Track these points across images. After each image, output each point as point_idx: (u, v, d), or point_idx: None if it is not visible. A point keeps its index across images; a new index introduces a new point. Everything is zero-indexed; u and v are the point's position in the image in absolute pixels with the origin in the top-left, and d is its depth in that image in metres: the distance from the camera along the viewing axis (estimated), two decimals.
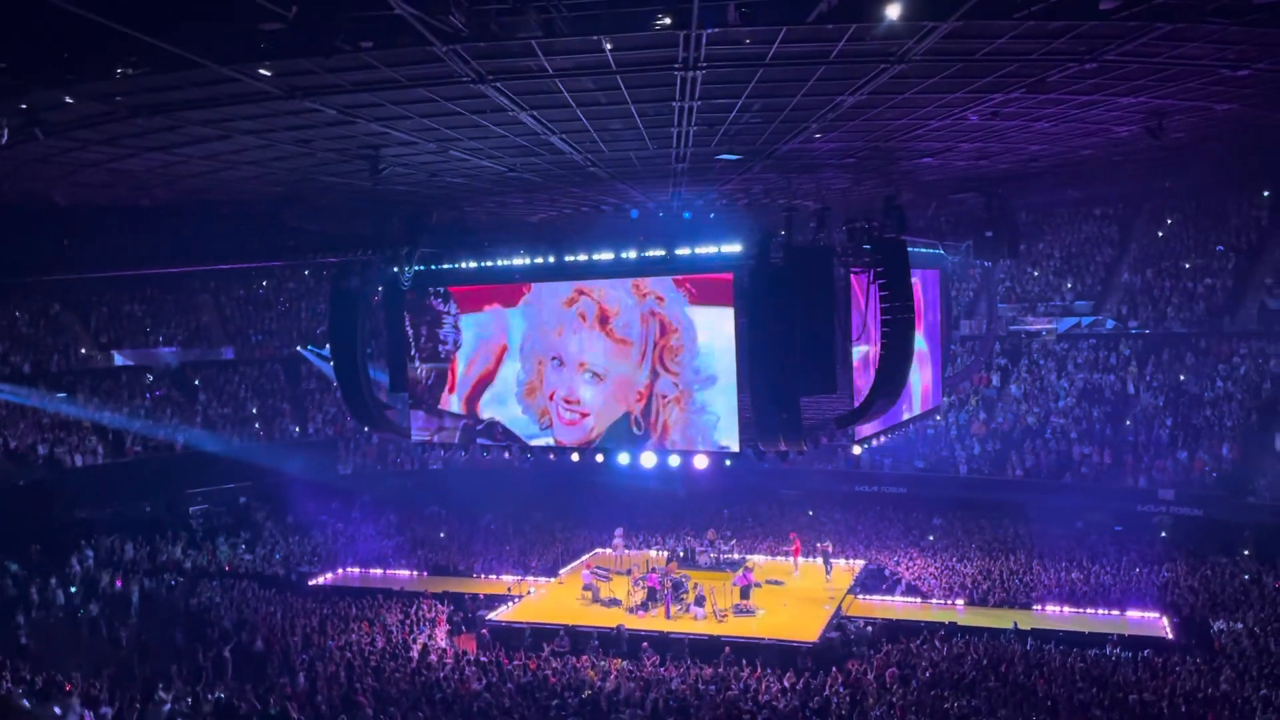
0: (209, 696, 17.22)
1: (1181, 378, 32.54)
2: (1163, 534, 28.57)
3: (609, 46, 11.85)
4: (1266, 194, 34.38)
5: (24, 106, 13.08)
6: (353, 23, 10.63)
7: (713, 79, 13.50)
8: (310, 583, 28.41)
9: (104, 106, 13.74)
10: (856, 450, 26.27)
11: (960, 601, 24.95)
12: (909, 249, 20.57)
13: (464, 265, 24.34)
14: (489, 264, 24.12)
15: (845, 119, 16.56)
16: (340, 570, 30.09)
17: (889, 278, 19.92)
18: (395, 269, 23.96)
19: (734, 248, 21.61)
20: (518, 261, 23.77)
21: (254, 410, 38.30)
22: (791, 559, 28.31)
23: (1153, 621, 23.14)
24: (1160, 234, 36.84)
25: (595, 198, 24.59)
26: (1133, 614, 23.54)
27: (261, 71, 12.29)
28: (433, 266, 24.27)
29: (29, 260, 30.02)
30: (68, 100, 13.14)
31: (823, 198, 24.61)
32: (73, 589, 26.42)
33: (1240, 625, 21.34)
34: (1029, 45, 12.62)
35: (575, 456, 24.41)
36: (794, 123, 16.79)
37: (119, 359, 37.30)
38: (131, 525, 31.47)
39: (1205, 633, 21.54)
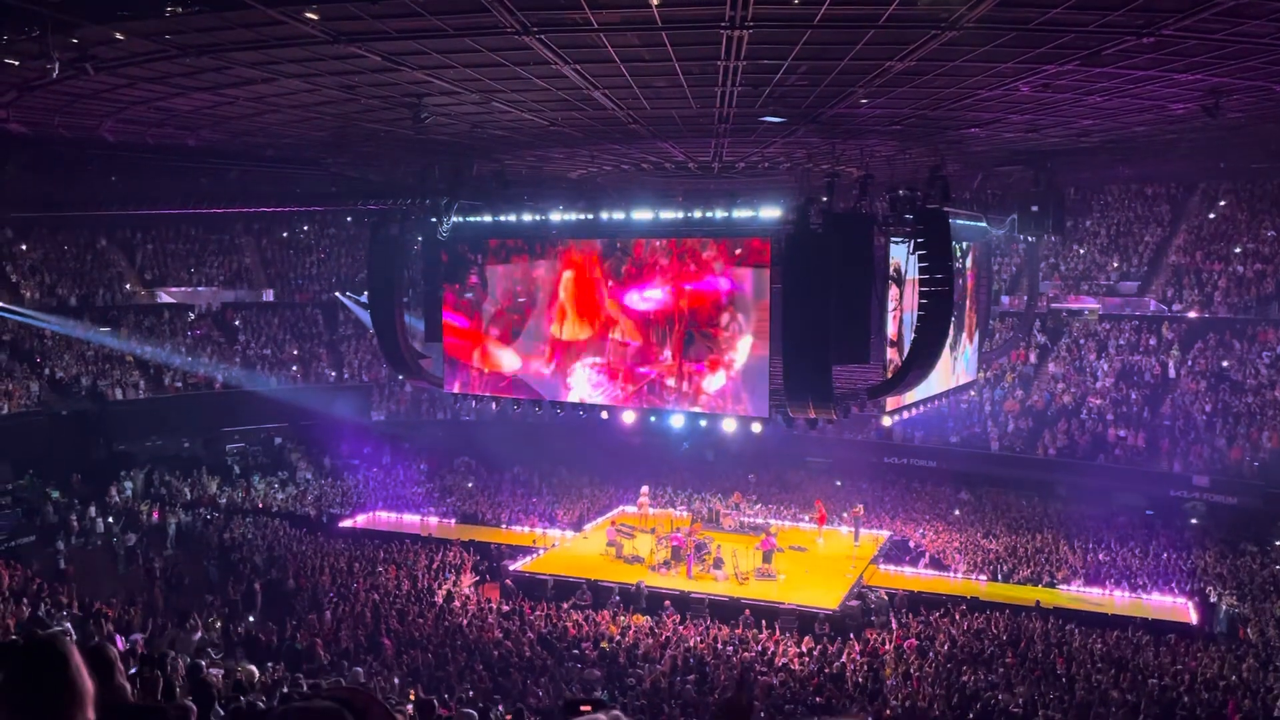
0: (239, 630, 17.70)
1: (1224, 363, 31.98)
2: (1194, 520, 28.27)
3: (655, 2, 11.71)
4: None
5: (75, 41, 13.21)
6: None
7: (759, 39, 13.30)
8: (340, 524, 28.95)
9: (153, 44, 13.83)
10: (886, 421, 26.15)
11: (983, 577, 24.91)
12: (951, 220, 20.33)
13: (502, 218, 24.32)
14: (526, 218, 24.07)
15: (893, 85, 16.26)
16: (370, 514, 30.62)
17: (929, 249, 19.71)
18: (434, 219, 23.99)
19: (773, 212, 21.44)
20: (555, 216, 23.67)
21: (293, 353, 38.88)
22: (816, 526, 28.38)
23: (1178, 607, 22.99)
24: (1212, 216, 36.00)
25: (636, 155, 24.41)
26: (1158, 598, 23.40)
27: (308, 15, 12.29)
28: (470, 218, 24.28)
29: (78, 194, 30.51)
30: (118, 37, 13.25)
31: (866, 165, 24.27)
32: (111, 519, 27.13)
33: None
34: (1085, 16, 12.29)
35: (604, 415, 24.45)
36: (840, 87, 16.51)
37: (162, 296, 37.95)
38: (170, 460, 32.22)
39: (1231, 621, 21.39)
